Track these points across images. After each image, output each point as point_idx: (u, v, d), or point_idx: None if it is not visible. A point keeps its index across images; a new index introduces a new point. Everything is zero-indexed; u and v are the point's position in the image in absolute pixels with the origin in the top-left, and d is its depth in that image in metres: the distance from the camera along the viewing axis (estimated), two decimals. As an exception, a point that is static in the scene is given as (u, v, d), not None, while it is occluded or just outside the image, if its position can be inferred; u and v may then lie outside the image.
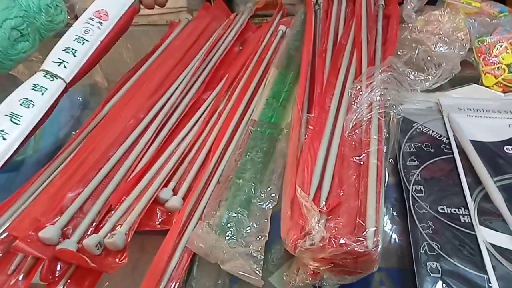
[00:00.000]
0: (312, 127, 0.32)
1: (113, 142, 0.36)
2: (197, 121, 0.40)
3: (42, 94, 0.31)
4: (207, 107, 0.42)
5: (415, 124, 0.38)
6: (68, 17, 0.64)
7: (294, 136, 0.33)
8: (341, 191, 0.27)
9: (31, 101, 0.31)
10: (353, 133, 0.32)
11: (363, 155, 0.29)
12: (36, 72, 0.35)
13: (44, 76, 0.33)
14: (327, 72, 0.40)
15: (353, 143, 0.31)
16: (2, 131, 0.29)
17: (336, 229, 0.24)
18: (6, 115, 0.29)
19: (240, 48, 0.54)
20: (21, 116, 0.30)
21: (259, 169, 0.33)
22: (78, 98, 0.54)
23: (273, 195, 0.31)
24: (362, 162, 0.29)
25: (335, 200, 0.26)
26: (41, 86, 0.32)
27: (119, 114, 0.39)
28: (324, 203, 0.26)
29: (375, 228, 0.24)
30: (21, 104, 0.31)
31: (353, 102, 0.34)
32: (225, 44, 0.52)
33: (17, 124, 0.29)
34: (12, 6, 0.52)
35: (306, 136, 0.32)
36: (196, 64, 0.48)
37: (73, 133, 0.48)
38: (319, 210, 0.25)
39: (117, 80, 0.50)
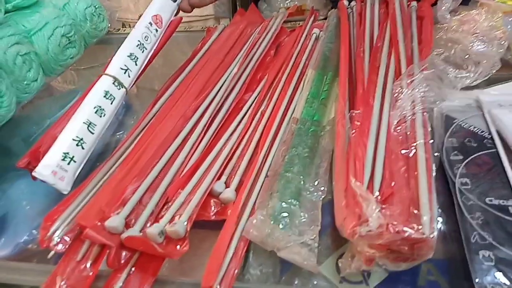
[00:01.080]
0: (359, 123, 0.33)
1: (165, 139, 0.38)
2: (241, 120, 0.42)
3: (111, 103, 0.33)
4: (250, 106, 0.44)
5: (455, 120, 0.38)
6: (109, 24, 0.67)
7: (340, 132, 0.34)
8: (393, 182, 0.28)
9: (103, 109, 0.32)
10: (398, 128, 0.33)
11: (411, 148, 0.30)
12: (101, 76, 0.36)
13: (113, 84, 0.34)
14: (366, 72, 0.41)
15: (400, 137, 0.32)
16: (81, 139, 0.30)
17: (392, 216, 0.25)
18: (84, 123, 0.30)
19: (277, 50, 0.56)
20: (96, 125, 0.31)
21: (306, 163, 0.34)
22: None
23: (321, 188, 0.33)
24: (410, 155, 0.30)
25: (388, 190, 0.27)
26: (111, 95, 0.33)
27: (169, 113, 0.41)
28: (377, 192, 0.27)
29: (430, 215, 0.25)
30: (95, 112, 0.32)
31: (397, 99, 0.35)
32: (261, 48, 0.54)
33: (91, 133, 0.31)
34: (61, 15, 0.55)
35: (354, 131, 0.33)
36: (235, 67, 0.50)
37: (117, 134, 0.52)
38: (375, 199, 0.26)
39: (147, 86, 0.53)
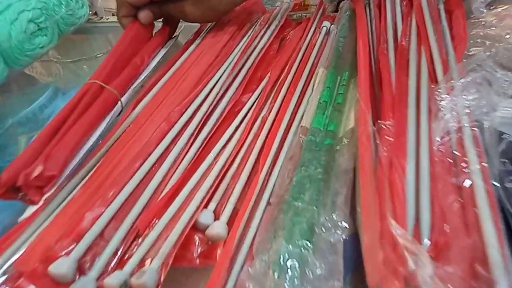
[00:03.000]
0: (392, 138, 0.25)
1: (140, 151, 0.30)
2: (237, 128, 0.34)
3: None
4: (248, 111, 0.36)
5: (505, 135, 0.31)
6: (90, 12, 0.59)
7: (364, 148, 0.26)
8: (446, 225, 0.20)
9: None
10: (442, 147, 0.25)
11: (463, 175, 0.23)
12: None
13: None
14: (393, 72, 0.34)
15: (446, 159, 0.24)
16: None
17: (452, 279, 0.17)
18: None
19: (281, 44, 0.48)
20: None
21: (320, 189, 0.27)
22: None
23: (341, 223, 0.25)
24: (465, 185, 0.22)
25: (441, 237, 0.19)
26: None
27: (149, 118, 0.33)
28: (427, 240, 0.19)
29: (508, 281, 0.17)
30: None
31: (436, 108, 0.27)
32: (263, 42, 0.46)
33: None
34: (30, -3, 0.47)
35: (385, 149, 0.25)
36: (232, 63, 0.42)
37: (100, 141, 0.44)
38: (426, 253, 0.18)
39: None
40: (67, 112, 0.29)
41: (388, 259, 0.19)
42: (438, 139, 0.26)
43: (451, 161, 0.24)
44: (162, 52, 0.44)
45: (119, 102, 0.34)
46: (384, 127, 0.27)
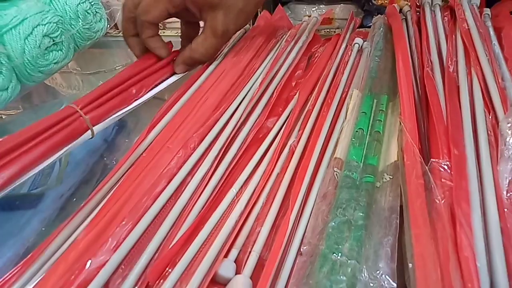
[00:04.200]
0: (451, 182, 0.21)
1: (152, 185, 0.26)
2: (262, 157, 0.30)
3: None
4: (274, 137, 0.32)
5: None
6: (108, 25, 0.57)
7: (415, 192, 0.22)
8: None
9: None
10: (511, 194, 0.21)
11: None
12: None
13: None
14: (442, 99, 0.29)
15: (520, 211, 0.20)
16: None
17: None
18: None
19: (309, 62, 0.44)
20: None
21: (361, 238, 0.23)
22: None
23: (388, 282, 0.21)
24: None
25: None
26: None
27: (165, 145, 0.30)
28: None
29: None
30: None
31: (502, 146, 0.23)
32: (290, 59, 0.43)
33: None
34: (46, 10, 0.45)
35: (443, 197, 0.21)
36: (256, 84, 0.39)
37: (105, 158, 0.41)
38: None
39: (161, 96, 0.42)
40: (29, 133, 0.27)
41: None
42: (505, 183, 0.21)
43: (525, 213, 0.20)
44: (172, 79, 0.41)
45: (90, 132, 0.31)
46: (439, 168, 0.22)
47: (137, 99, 0.37)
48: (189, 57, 0.40)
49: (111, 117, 0.34)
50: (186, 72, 0.42)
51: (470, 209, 0.20)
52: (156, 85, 0.39)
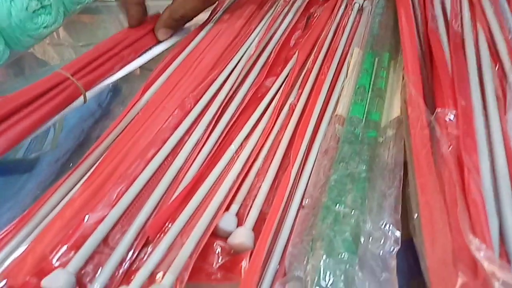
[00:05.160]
0: (458, 131, 0.21)
1: (150, 143, 0.25)
2: (261, 116, 0.29)
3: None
4: (273, 97, 0.32)
5: None
6: (98, -11, 0.55)
7: (421, 142, 0.22)
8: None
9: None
10: (520, 141, 0.20)
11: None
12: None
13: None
14: (447, 52, 0.29)
15: (527, 157, 0.19)
16: None
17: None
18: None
19: (307, 22, 0.43)
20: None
21: (365, 190, 0.22)
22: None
23: (392, 233, 0.20)
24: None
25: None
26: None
27: (161, 104, 0.29)
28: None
29: None
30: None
31: (510, 96, 0.23)
32: (288, 19, 0.41)
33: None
34: (32, -29, 0.43)
35: (450, 145, 0.20)
36: (254, 44, 0.37)
37: (100, 124, 0.40)
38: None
39: (151, 66, 0.40)
40: (22, 99, 0.26)
41: (466, 285, 0.14)
42: (513, 132, 0.21)
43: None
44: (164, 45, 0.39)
45: (82, 97, 0.30)
46: (445, 117, 0.22)
47: (130, 63, 0.35)
48: (168, 17, 0.38)
49: (104, 82, 0.33)
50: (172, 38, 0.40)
51: (478, 156, 0.19)
52: (149, 48, 0.38)
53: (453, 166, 0.19)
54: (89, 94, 0.32)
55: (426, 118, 0.23)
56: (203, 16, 0.46)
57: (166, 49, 0.39)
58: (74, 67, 0.31)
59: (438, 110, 0.23)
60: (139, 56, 0.36)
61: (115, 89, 0.44)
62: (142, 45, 0.37)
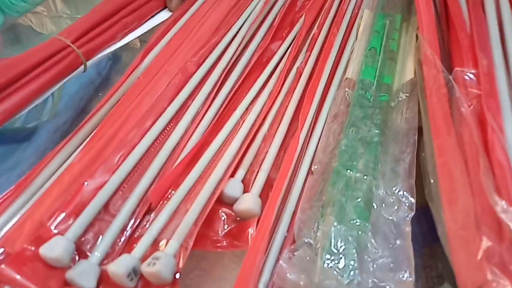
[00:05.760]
0: (479, 91, 0.19)
1: (151, 107, 0.24)
2: (267, 80, 0.28)
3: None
4: (279, 61, 0.30)
5: None
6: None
7: (439, 102, 0.20)
8: None
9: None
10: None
11: None
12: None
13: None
14: (465, 10, 0.27)
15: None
16: None
17: None
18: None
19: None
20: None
21: (377, 155, 0.21)
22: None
23: (407, 198, 0.19)
24: None
25: None
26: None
27: (162, 68, 0.27)
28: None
29: None
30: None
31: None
32: (294, -19, 0.39)
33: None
34: None
35: (471, 106, 0.19)
36: (259, 5, 0.35)
37: (100, 94, 0.39)
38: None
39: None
40: (22, 67, 0.25)
41: (492, 252, 0.13)
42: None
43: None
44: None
45: (83, 66, 0.29)
46: (464, 76, 0.20)
47: (131, 31, 0.34)
48: None
49: (106, 51, 0.31)
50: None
51: (502, 116, 0.18)
52: (151, 17, 0.36)
53: (474, 126, 0.18)
54: (90, 62, 0.31)
55: (443, 77, 0.21)
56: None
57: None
58: (74, 33, 0.29)
59: (457, 69, 0.21)
60: (143, 23, 0.34)
61: (115, 57, 0.42)
62: (146, 12, 0.35)
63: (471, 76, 0.21)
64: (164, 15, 0.37)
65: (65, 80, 0.29)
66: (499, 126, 0.17)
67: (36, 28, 0.52)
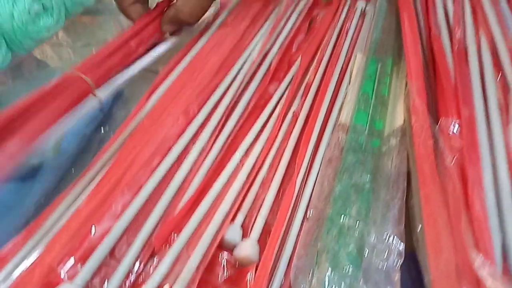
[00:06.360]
0: (461, 142, 0.21)
1: (154, 151, 0.26)
2: (265, 123, 0.30)
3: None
4: (277, 103, 0.32)
5: None
6: (100, -10, 0.55)
7: (425, 152, 0.22)
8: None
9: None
10: (523, 154, 0.20)
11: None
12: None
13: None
14: (450, 59, 0.29)
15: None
16: None
17: None
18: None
19: (310, 26, 0.43)
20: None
21: (369, 201, 0.22)
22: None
23: (396, 245, 0.21)
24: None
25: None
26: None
27: (165, 111, 0.29)
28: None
29: None
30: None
31: (508, 105, 0.23)
32: (290, 23, 0.41)
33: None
34: (34, -27, 0.43)
35: (453, 157, 0.20)
36: (257, 48, 0.37)
37: (102, 131, 0.40)
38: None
39: (156, 68, 0.40)
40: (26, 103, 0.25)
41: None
42: (516, 143, 0.21)
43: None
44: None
45: (95, 97, 0.30)
46: (449, 127, 0.22)
47: (140, 55, 0.35)
48: (174, 16, 0.38)
49: (117, 80, 0.33)
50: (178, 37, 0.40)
51: (481, 169, 0.19)
52: (157, 41, 0.37)
53: (457, 178, 0.19)
54: (103, 92, 0.31)
55: (430, 128, 0.23)
56: (208, 15, 0.45)
57: (172, 48, 0.39)
58: (83, 66, 0.30)
59: (442, 119, 0.23)
60: (148, 49, 0.36)
61: (117, 91, 0.44)
62: (149, 34, 0.36)
63: (456, 127, 0.22)
64: (167, 45, 0.38)
65: (80, 112, 0.29)
66: (479, 180, 0.18)
67: (37, 55, 0.54)
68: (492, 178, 0.19)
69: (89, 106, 0.29)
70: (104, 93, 0.31)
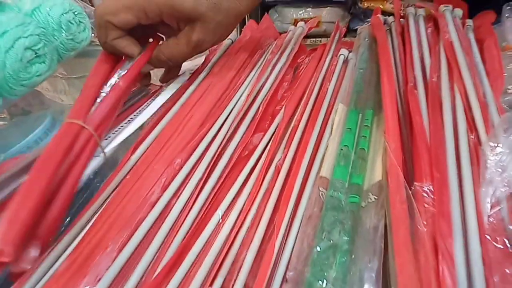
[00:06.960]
0: (433, 208, 0.21)
1: (136, 210, 0.26)
2: (248, 177, 0.30)
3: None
4: (261, 155, 0.32)
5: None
6: (92, 34, 0.56)
7: (399, 218, 0.22)
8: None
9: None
10: (493, 220, 0.21)
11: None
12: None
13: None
14: (426, 118, 0.30)
15: (500, 238, 0.20)
16: None
17: None
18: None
19: (295, 74, 0.44)
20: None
21: (346, 265, 0.23)
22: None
23: (373, 312, 0.21)
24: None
25: None
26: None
27: (149, 166, 0.29)
28: None
29: None
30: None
31: (483, 168, 0.23)
32: (275, 71, 0.43)
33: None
34: (28, 22, 0.44)
35: (425, 223, 0.21)
36: (242, 98, 0.38)
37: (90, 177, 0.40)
38: None
39: None
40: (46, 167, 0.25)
41: None
42: (487, 208, 0.22)
43: (506, 241, 0.20)
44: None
45: (99, 148, 0.30)
46: (422, 192, 0.23)
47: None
48: (155, 56, 0.39)
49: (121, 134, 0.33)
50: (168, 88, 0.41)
51: (452, 238, 0.20)
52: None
53: (428, 248, 0.20)
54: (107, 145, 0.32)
55: (404, 191, 0.23)
56: (199, 61, 0.47)
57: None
58: (82, 113, 0.30)
59: (416, 184, 0.23)
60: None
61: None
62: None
63: (429, 191, 0.23)
64: (161, 100, 0.39)
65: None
66: (449, 251, 0.19)
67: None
68: (463, 246, 0.20)
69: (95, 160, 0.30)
70: (109, 146, 0.32)
